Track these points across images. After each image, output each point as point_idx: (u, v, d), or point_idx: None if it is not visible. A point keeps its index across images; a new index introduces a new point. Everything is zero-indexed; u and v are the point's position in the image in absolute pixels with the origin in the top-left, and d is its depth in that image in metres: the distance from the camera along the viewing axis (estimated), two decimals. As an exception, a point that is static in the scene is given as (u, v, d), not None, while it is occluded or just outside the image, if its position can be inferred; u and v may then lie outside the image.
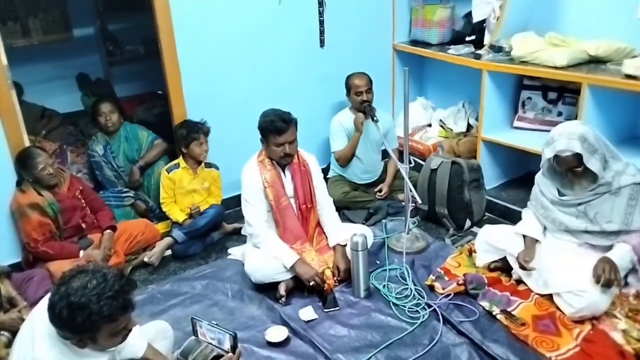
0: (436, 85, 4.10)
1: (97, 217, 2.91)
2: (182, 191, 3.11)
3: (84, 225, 2.85)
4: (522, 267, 2.37)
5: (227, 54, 3.24)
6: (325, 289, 2.51)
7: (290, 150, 2.57)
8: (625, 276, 2.26)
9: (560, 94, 3.18)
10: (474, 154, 3.40)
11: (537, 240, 2.44)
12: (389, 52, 3.93)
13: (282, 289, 2.52)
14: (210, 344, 1.74)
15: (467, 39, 3.53)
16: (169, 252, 3.02)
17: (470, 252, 2.76)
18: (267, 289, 2.57)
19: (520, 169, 3.52)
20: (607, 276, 2.13)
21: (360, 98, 3.28)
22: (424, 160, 3.35)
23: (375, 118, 3.13)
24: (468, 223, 3.10)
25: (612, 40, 2.80)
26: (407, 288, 2.55)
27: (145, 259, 2.89)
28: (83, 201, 2.86)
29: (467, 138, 3.60)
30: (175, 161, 3.14)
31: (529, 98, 3.28)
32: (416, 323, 2.32)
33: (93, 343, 1.47)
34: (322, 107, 3.66)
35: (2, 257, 2.66)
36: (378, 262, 2.80)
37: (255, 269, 2.55)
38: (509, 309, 2.33)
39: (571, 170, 2.24)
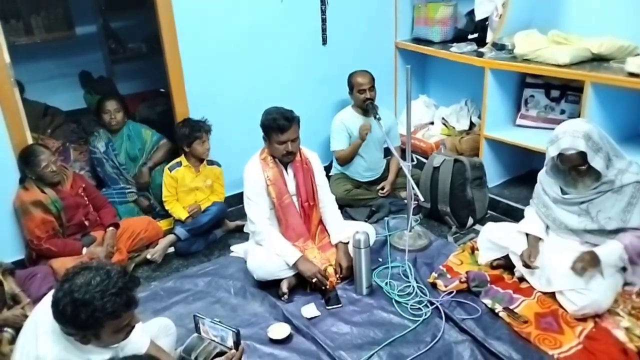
0: (439, 83, 4.10)
1: (100, 215, 2.92)
2: (185, 189, 3.12)
3: (86, 223, 2.85)
4: (526, 266, 2.37)
5: (230, 51, 3.24)
6: (327, 286, 2.51)
7: (292, 148, 2.57)
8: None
9: (563, 92, 3.18)
10: (477, 151, 3.40)
11: (540, 239, 2.44)
12: (391, 50, 3.93)
13: (284, 287, 2.52)
14: (213, 341, 1.74)
15: (470, 37, 3.52)
16: (171, 249, 3.03)
17: (473, 249, 2.76)
18: (270, 286, 2.58)
19: (523, 167, 3.52)
20: (584, 265, 2.16)
21: (362, 96, 3.28)
22: (427, 158, 3.35)
23: (377, 116, 3.12)
24: (470, 221, 3.10)
25: (615, 38, 2.80)
26: (410, 285, 2.55)
27: (148, 256, 2.90)
28: (86, 199, 2.87)
29: (470, 136, 3.59)
30: (177, 159, 3.14)
31: (532, 96, 3.28)
32: (418, 320, 2.33)
33: (96, 339, 1.47)
34: (325, 105, 3.66)
35: (6, 254, 2.67)
36: (380, 260, 2.80)
37: (257, 266, 2.56)
38: (511, 307, 2.33)
39: (575, 168, 2.23)
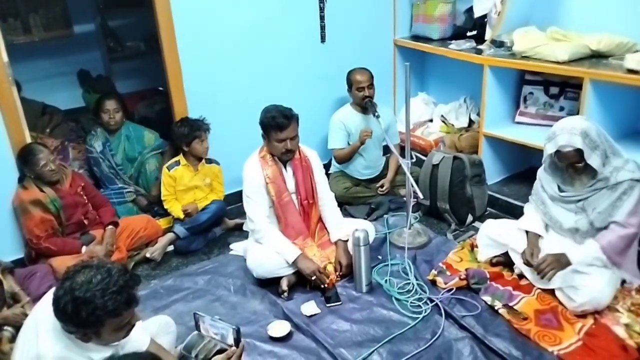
0: (437, 81, 4.10)
1: (99, 213, 2.92)
2: (184, 188, 3.12)
3: (86, 222, 2.85)
4: (528, 264, 2.36)
5: (228, 49, 3.24)
6: (327, 284, 2.51)
7: (291, 146, 2.57)
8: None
9: (562, 89, 3.18)
10: (476, 149, 3.40)
11: (539, 236, 2.44)
12: (390, 48, 3.92)
13: (284, 284, 2.52)
14: (214, 338, 1.74)
15: (469, 34, 3.52)
16: (171, 247, 3.02)
17: (472, 247, 2.77)
18: (269, 284, 2.58)
19: (522, 164, 3.52)
20: (542, 267, 2.20)
21: (361, 94, 3.28)
22: (426, 156, 3.35)
23: (376, 114, 3.12)
24: (470, 218, 3.10)
25: (614, 35, 2.80)
26: (409, 283, 2.56)
27: (148, 255, 2.90)
28: (85, 197, 2.86)
29: (469, 133, 3.59)
30: (176, 158, 3.14)
31: (531, 93, 3.28)
32: (418, 318, 2.33)
33: (97, 337, 1.47)
34: (324, 103, 3.65)
35: (5, 253, 2.66)
36: (380, 257, 2.80)
37: (257, 264, 2.56)
38: (511, 304, 2.33)
39: (572, 166, 2.23)
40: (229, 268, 2.81)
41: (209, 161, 3.20)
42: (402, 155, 2.90)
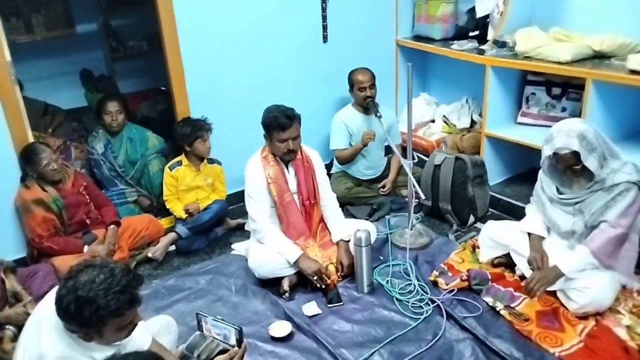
0: (439, 81, 4.10)
1: (101, 213, 2.92)
2: (185, 188, 3.12)
3: (88, 221, 2.85)
4: (538, 267, 2.31)
5: (230, 49, 3.24)
6: (328, 284, 2.51)
7: (293, 147, 2.57)
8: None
9: (564, 90, 3.17)
10: (478, 149, 3.39)
11: (542, 237, 2.43)
12: (392, 48, 3.92)
13: (285, 284, 2.52)
14: (216, 339, 1.75)
15: (471, 34, 3.51)
16: (172, 247, 3.03)
17: (474, 247, 2.76)
18: (271, 284, 2.58)
19: (524, 165, 3.52)
20: (530, 286, 2.18)
21: (363, 94, 3.28)
22: (428, 156, 3.35)
23: (378, 114, 3.12)
24: (472, 219, 3.10)
25: (617, 36, 2.79)
26: (411, 284, 2.56)
27: (149, 255, 2.90)
28: (87, 197, 2.87)
29: (471, 134, 3.59)
30: (178, 158, 3.14)
31: (533, 93, 3.28)
32: (419, 318, 2.33)
33: (99, 337, 1.48)
34: (325, 103, 3.65)
35: (7, 252, 2.67)
36: (381, 258, 2.80)
37: (258, 264, 2.56)
38: (512, 305, 2.33)
39: (570, 168, 2.23)
40: (231, 268, 2.81)
41: (211, 161, 3.20)
42: (404, 155, 2.90)
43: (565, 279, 2.22)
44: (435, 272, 2.59)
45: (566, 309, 2.27)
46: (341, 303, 2.47)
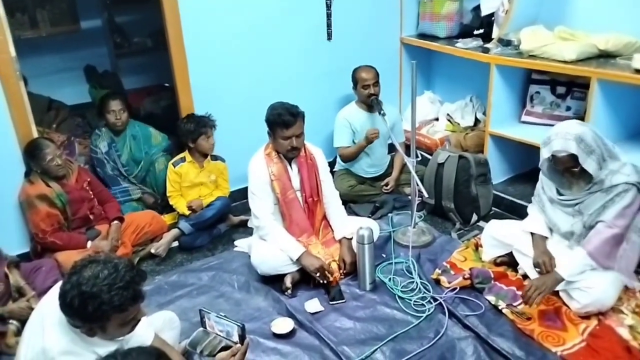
0: (444, 79, 4.09)
1: (105, 209, 2.93)
2: (189, 184, 3.12)
3: (91, 217, 2.86)
4: (547, 271, 2.30)
5: (235, 46, 3.24)
6: (331, 281, 2.51)
7: (297, 144, 2.57)
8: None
9: (569, 89, 3.16)
10: (481, 148, 3.39)
11: (545, 237, 2.43)
12: (396, 46, 3.91)
13: (288, 281, 2.53)
14: (219, 335, 1.75)
15: (475, 32, 3.50)
16: (175, 243, 3.04)
17: (477, 246, 2.76)
18: (273, 281, 2.59)
19: (528, 164, 3.50)
20: (529, 294, 2.17)
21: (367, 92, 3.28)
22: (431, 155, 3.35)
23: (382, 112, 3.12)
24: (475, 217, 3.10)
25: (622, 35, 2.78)
26: (413, 282, 2.56)
27: (152, 250, 2.91)
28: (91, 192, 2.88)
29: (475, 132, 3.58)
30: (181, 155, 3.15)
31: (538, 92, 3.26)
32: (422, 316, 2.33)
33: (102, 332, 1.48)
34: (329, 101, 3.65)
35: (11, 247, 2.68)
36: (384, 256, 2.81)
37: (261, 261, 2.56)
38: (515, 304, 2.32)
39: (568, 170, 2.22)
40: (233, 264, 2.81)
41: (215, 158, 3.21)
42: (408, 153, 2.90)
43: (566, 281, 2.22)
44: (437, 270, 2.60)
45: (569, 308, 2.26)
46: (343, 300, 2.47)
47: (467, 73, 3.71)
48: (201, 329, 1.82)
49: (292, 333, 2.27)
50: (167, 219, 3.18)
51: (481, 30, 3.48)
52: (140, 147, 3.27)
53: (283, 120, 2.51)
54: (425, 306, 2.39)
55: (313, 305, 2.43)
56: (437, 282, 2.54)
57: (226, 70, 3.25)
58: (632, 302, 2.24)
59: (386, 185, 3.43)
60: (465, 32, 3.63)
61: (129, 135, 3.25)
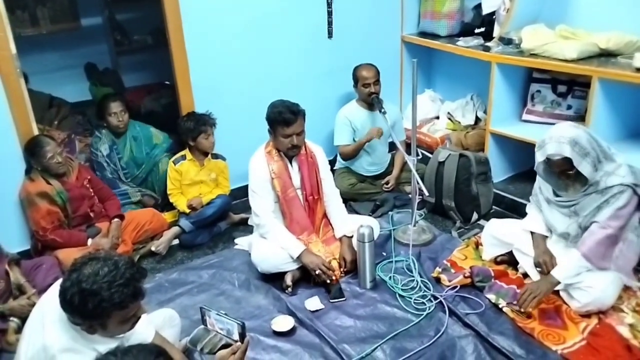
0: (444, 78, 4.08)
1: (105, 206, 2.93)
2: (189, 182, 3.12)
3: (92, 214, 2.86)
4: (548, 271, 2.31)
5: (235, 44, 3.24)
6: (331, 279, 2.52)
7: (297, 142, 2.57)
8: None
9: (570, 87, 3.16)
10: (482, 146, 3.38)
11: (545, 236, 2.43)
12: (397, 44, 3.91)
13: (288, 279, 2.53)
14: (219, 333, 1.75)
15: (477, 31, 3.50)
16: (176, 241, 3.03)
17: (477, 245, 2.76)
18: (274, 279, 2.59)
19: (528, 163, 3.49)
20: (524, 297, 2.19)
21: (367, 90, 3.27)
22: (432, 153, 3.34)
23: (382, 110, 3.12)
24: (475, 216, 3.09)
25: (623, 34, 2.78)
26: (413, 280, 2.56)
27: (153, 248, 2.91)
28: (91, 190, 2.88)
29: (475, 131, 3.58)
30: (182, 153, 3.14)
31: (538, 91, 3.26)
32: (422, 315, 2.33)
33: (103, 329, 1.48)
34: (330, 99, 3.65)
35: (11, 244, 2.67)
36: (384, 254, 2.80)
37: (261, 259, 2.56)
38: (515, 302, 2.32)
39: (564, 173, 2.22)
40: (234, 262, 2.81)
41: (215, 156, 3.20)
42: (408, 152, 2.90)
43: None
44: (438, 269, 2.60)
45: (569, 306, 2.26)
46: (344, 298, 2.47)
47: (468, 71, 3.70)
48: (202, 326, 1.81)
49: (292, 331, 2.27)
50: (168, 216, 3.18)
51: (482, 29, 3.48)
52: (142, 148, 3.25)
53: (284, 118, 2.51)
54: (425, 304, 2.39)
55: (313, 303, 2.43)
56: (438, 280, 2.54)
57: (227, 68, 3.25)
58: (632, 301, 2.24)
59: (387, 183, 3.43)
60: (466, 30, 3.62)
61: (130, 136, 3.23)
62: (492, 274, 2.50)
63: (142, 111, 4.04)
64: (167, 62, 3.16)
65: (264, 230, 2.62)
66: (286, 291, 2.52)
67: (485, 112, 3.59)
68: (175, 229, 3.01)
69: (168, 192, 3.14)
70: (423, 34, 3.83)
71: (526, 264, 2.45)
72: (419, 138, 3.68)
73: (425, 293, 2.46)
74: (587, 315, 2.21)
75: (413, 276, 2.58)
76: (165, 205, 3.26)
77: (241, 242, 3.00)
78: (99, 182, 2.98)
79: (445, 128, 3.81)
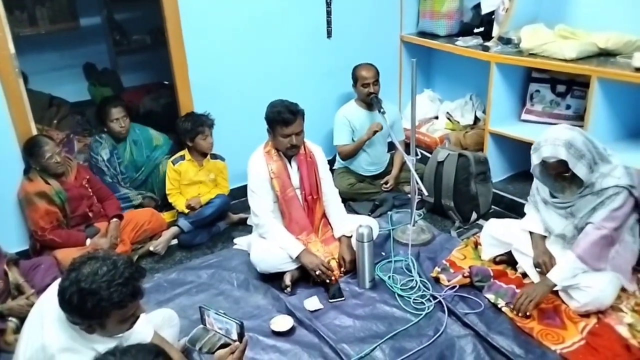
0: (444, 77, 4.08)
1: (104, 206, 2.92)
2: (188, 182, 3.12)
3: (90, 214, 2.86)
4: (547, 271, 2.31)
5: (234, 44, 3.23)
6: (330, 279, 2.51)
7: (297, 142, 2.57)
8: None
9: (569, 87, 3.16)
10: (481, 146, 3.38)
11: (544, 236, 2.43)
12: (396, 44, 3.91)
13: (287, 279, 2.53)
14: (218, 332, 1.75)
15: (476, 30, 3.50)
16: (175, 241, 3.03)
17: (476, 244, 2.76)
18: (273, 279, 2.58)
19: (527, 162, 3.42)
20: (520, 301, 2.20)
21: (367, 90, 3.27)
22: (431, 153, 3.34)
23: (382, 110, 3.12)
24: (474, 216, 3.09)
25: (622, 33, 2.78)
26: (413, 280, 2.56)
27: (151, 248, 2.91)
28: (90, 190, 2.87)
29: (474, 131, 3.58)
30: (181, 153, 3.14)
31: (537, 91, 3.26)
32: (421, 314, 2.33)
33: (102, 329, 1.48)
34: (329, 99, 3.65)
35: (10, 244, 2.67)
36: (383, 254, 2.80)
37: (260, 258, 2.56)
38: (512, 306, 2.32)
39: (560, 175, 2.22)
40: (233, 262, 2.81)
41: (214, 157, 3.20)
42: (407, 152, 2.90)
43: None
44: (437, 269, 2.60)
45: (568, 306, 2.26)
46: (343, 298, 2.47)
47: (467, 71, 3.71)
48: (200, 326, 1.81)
49: (291, 331, 2.27)
50: (167, 216, 3.18)
51: (481, 29, 3.47)
52: (142, 151, 3.23)
53: (283, 118, 2.51)
54: (424, 304, 2.39)
55: (312, 303, 2.43)
56: (437, 280, 2.54)
57: (226, 68, 3.25)
58: (631, 301, 2.24)
59: (386, 183, 3.43)
60: (465, 30, 3.62)
61: (130, 140, 3.20)
62: (491, 274, 2.50)
63: (141, 111, 4.04)
64: (166, 62, 3.16)
65: (263, 230, 2.61)
66: (285, 291, 2.51)
67: (484, 111, 3.59)
68: (174, 229, 3.01)
69: (167, 192, 3.14)
70: (422, 34, 3.83)
71: (525, 264, 2.45)
72: (418, 138, 3.68)
73: (424, 293, 2.46)
74: (586, 315, 2.21)
75: (412, 276, 2.58)
76: (164, 205, 3.25)
77: (240, 242, 2.99)
78: (97, 182, 2.98)
79: (444, 128, 3.81)
